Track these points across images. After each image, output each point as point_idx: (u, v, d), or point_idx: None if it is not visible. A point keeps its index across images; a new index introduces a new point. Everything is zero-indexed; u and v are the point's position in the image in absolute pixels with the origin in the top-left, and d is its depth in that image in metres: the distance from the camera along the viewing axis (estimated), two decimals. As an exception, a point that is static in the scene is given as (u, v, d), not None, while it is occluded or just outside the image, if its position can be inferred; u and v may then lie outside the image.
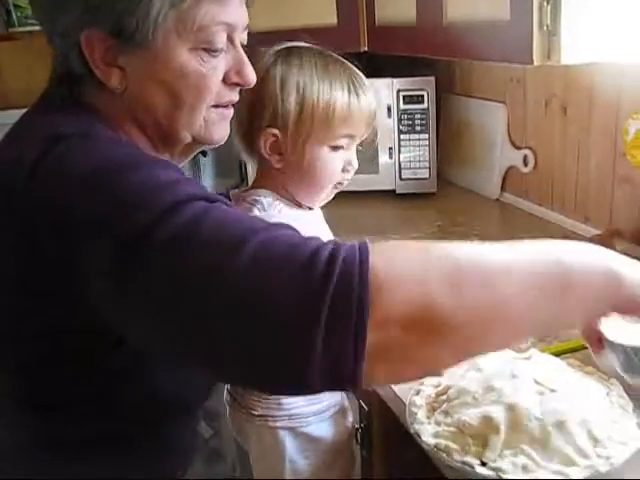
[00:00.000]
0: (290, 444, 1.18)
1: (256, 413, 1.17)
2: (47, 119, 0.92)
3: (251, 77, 1.01)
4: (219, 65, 0.96)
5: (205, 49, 0.93)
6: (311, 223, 1.17)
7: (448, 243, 0.72)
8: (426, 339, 0.69)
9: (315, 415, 1.18)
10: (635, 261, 0.78)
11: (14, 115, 0.98)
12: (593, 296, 0.75)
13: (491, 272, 0.71)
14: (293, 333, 0.68)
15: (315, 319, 0.66)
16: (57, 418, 0.93)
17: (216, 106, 0.99)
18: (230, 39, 0.97)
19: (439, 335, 0.69)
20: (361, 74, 1.17)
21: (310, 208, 1.21)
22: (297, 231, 0.77)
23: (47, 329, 0.87)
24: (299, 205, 1.18)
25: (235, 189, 1.23)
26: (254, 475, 1.27)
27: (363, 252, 0.69)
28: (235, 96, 1.01)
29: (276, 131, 1.13)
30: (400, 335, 0.67)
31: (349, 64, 1.17)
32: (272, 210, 1.12)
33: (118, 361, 0.90)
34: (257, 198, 1.14)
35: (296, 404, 1.16)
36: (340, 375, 0.68)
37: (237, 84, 1.00)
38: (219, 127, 1.01)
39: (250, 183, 2.01)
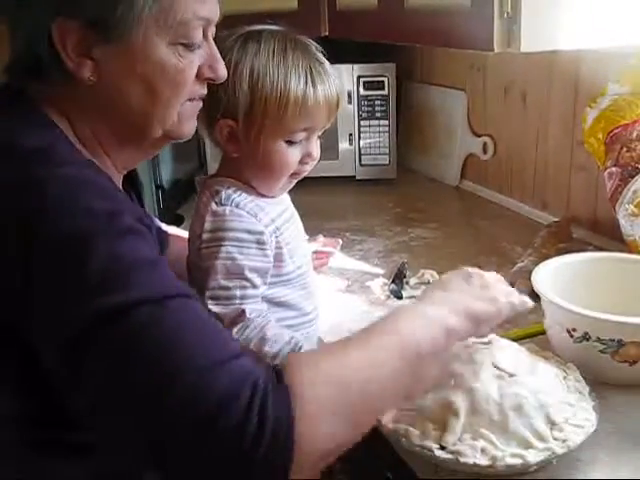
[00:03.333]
0: None
1: None
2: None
3: (223, 72, 0.99)
4: (195, 60, 0.95)
5: (183, 44, 0.92)
6: (274, 211, 1.15)
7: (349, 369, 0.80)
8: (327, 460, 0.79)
9: None
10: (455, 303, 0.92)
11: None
12: (440, 355, 0.90)
13: (374, 397, 0.82)
14: None
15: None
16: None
17: (189, 100, 0.98)
18: (204, 34, 0.95)
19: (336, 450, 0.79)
20: (324, 60, 1.13)
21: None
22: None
23: None
24: (262, 194, 1.16)
25: (202, 176, 1.21)
26: None
27: (290, 415, 0.73)
28: (205, 90, 1.00)
29: (231, 122, 1.09)
30: (312, 467, 0.77)
31: (313, 49, 1.13)
32: (228, 204, 1.09)
33: None
34: (218, 189, 1.11)
35: None
36: None
37: (210, 79, 0.99)
38: (190, 121, 1.00)
39: (209, 167, 1.99)
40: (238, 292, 1.06)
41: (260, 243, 1.09)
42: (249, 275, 1.08)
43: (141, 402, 0.74)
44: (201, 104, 1.02)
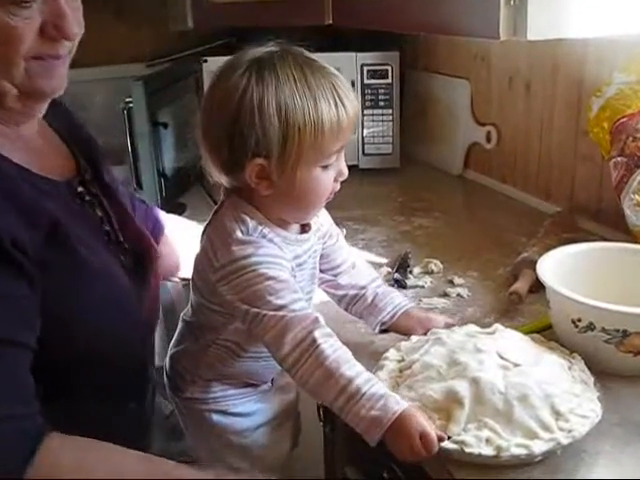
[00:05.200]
0: (222, 424, 1.18)
1: (185, 396, 1.19)
2: None
3: (70, 30, 0.96)
4: (33, 16, 0.93)
5: (14, 2, 0.90)
6: (292, 253, 1.10)
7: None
8: None
9: (242, 397, 1.19)
10: None
11: None
12: None
13: None
14: None
15: None
16: None
17: (39, 58, 0.96)
18: None
19: None
20: (335, 71, 1.06)
21: (304, 226, 1.16)
22: None
23: None
24: (284, 224, 1.11)
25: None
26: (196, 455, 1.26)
27: None
28: (60, 49, 0.98)
29: (262, 160, 1.03)
30: None
31: (327, 67, 1.06)
32: (255, 234, 1.06)
33: None
34: (244, 217, 1.07)
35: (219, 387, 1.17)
36: None
37: (55, 37, 0.96)
38: (47, 78, 0.98)
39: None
40: (295, 306, 1.01)
41: (289, 269, 1.07)
42: (296, 287, 1.04)
43: None
44: (63, 60, 1.00)
